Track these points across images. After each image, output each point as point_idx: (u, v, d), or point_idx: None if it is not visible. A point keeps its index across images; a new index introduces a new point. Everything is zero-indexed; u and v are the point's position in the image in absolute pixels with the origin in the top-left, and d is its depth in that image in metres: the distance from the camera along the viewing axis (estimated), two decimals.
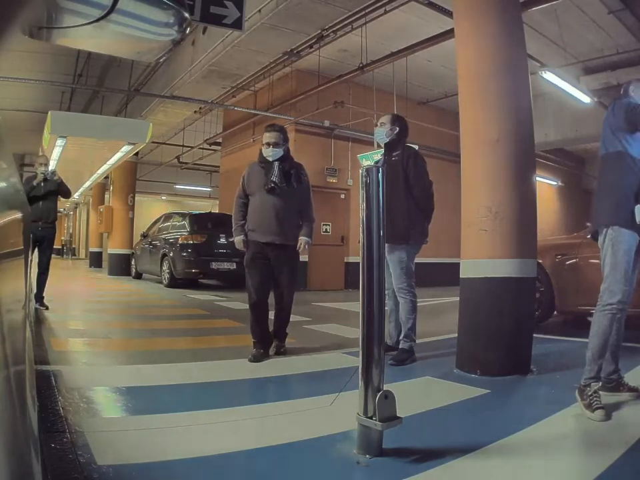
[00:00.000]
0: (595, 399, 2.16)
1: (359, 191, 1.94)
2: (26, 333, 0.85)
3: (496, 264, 3.06)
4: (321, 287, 9.55)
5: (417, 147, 5.33)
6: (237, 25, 4.64)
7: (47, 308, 5.48)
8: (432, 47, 6.84)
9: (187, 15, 0.66)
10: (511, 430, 2.01)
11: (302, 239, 3.53)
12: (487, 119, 3.22)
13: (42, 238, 5.43)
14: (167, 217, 10.61)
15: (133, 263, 11.83)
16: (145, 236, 10.99)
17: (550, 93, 8.22)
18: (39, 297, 5.50)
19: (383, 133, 3.55)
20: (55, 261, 6.25)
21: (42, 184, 5.49)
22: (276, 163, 3.48)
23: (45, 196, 5.48)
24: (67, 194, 5.82)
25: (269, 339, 3.56)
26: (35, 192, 5.39)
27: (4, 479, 0.40)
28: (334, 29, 7.05)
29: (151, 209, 20.23)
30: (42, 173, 5.53)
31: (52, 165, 10.24)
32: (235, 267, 9.11)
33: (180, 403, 2.37)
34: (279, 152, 3.49)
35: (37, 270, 5.43)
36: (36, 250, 5.36)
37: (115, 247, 13.09)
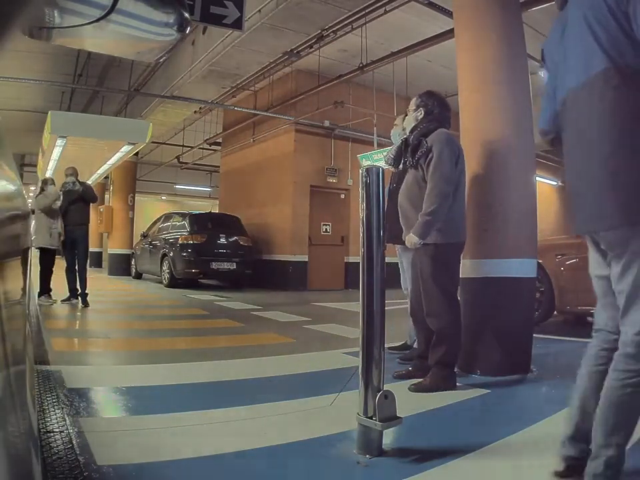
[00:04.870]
0: None
1: (358, 191, 1.94)
2: (26, 333, 0.85)
3: (496, 264, 3.06)
4: (321, 286, 9.55)
5: None
6: (237, 25, 4.64)
7: (87, 305, 5.88)
8: (432, 47, 6.84)
9: (187, 15, 0.66)
10: (511, 430, 2.01)
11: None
12: (487, 118, 3.22)
13: (75, 240, 6.08)
14: (167, 216, 10.62)
15: (132, 262, 11.84)
16: (145, 236, 11.00)
17: None
18: (83, 295, 5.94)
19: (396, 134, 3.54)
20: (55, 261, 6.28)
21: (62, 195, 6.14)
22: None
23: (72, 203, 6.10)
24: (92, 199, 6.32)
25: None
26: (63, 201, 6.11)
27: (4, 479, 0.40)
28: (334, 29, 7.04)
29: (151, 209, 20.23)
30: (63, 186, 6.23)
31: (52, 165, 10.28)
32: (234, 267, 9.13)
33: (180, 403, 2.37)
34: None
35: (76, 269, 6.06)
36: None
37: (114, 247, 13.10)
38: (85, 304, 5.90)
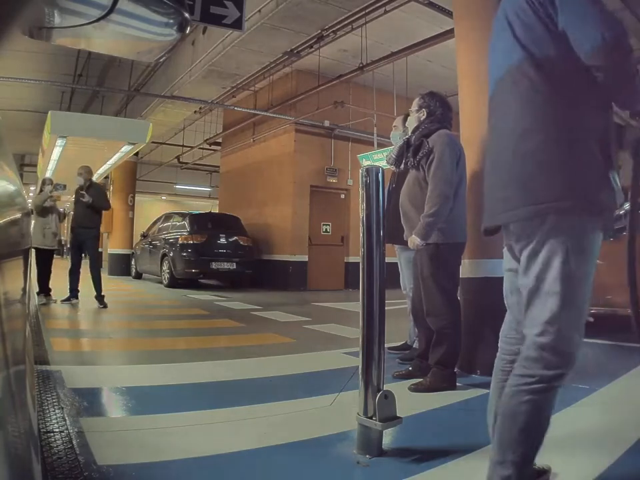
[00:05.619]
0: None
1: (358, 191, 1.94)
2: (26, 333, 0.85)
3: (496, 264, 3.05)
4: (321, 287, 9.55)
5: None
6: (237, 25, 4.64)
7: (106, 306, 5.87)
8: (432, 47, 6.85)
9: (187, 15, 0.66)
10: None
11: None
12: (487, 119, 3.22)
13: (82, 242, 5.99)
14: (167, 216, 10.62)
15: (133, 262, 11.84)
16: (144, 236, 11.00)
17: None
18: (99, 297, 5.90)
19: (397, 136, 3.54)
20: (55, 261, 6.28)
21: (81, 197, 5.97)
22: None
23: (79, 204, 6.00)
24: (101, 208, 6.10)
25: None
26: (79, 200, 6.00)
27: (4, 479, 0.40)
28: (334, 29, 7.05)
29: (151, 209, 20.23)
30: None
31: (52, 165, 10.27)
32: (234, 267, 9.13)
33: (180, 403, 2.37)
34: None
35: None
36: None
37: (115, 247, 13.08)
38: (103, 305, 5.85)
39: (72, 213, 6.31)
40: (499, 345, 1.49)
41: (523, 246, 1.26)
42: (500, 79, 1.35)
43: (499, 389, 1.42)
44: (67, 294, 6.04)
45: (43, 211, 6.07)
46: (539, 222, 1.20)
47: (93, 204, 5.95)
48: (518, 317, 1.40)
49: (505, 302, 1.46)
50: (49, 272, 6.11)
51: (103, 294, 5.92)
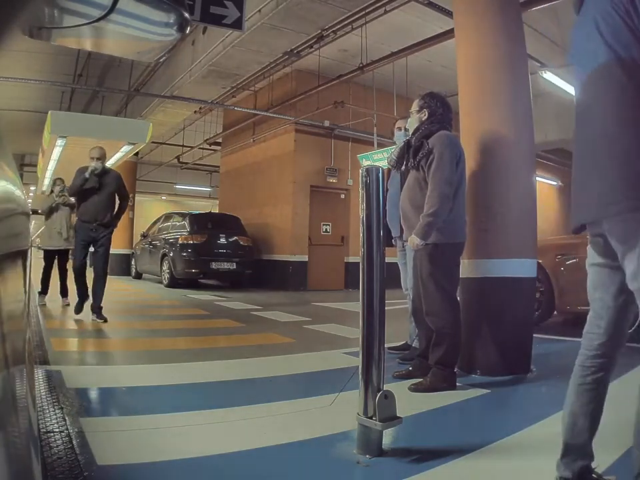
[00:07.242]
0: None
1: (358, 191, 1.94)
2: (26, 333, 0.85)
3: (496, 264, 3.06)
4: (321, 287, 9.55)
5: None
6: (237, 25, 4.64)
7: (106, 320, 4.77)
8: (432, 47, 6.84)
9: (187, 15, 0.66)
10: (510, 430, 2.01)
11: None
12: (487, 118, 3.22)
13: (94, 240, 4.86)
14: (167, 216, 10.63)
15: (132, 262, 11.84)
16: (144, 236, 11.01)
17: (550, 92, 8.21)
18: (97, 308, 4.81)
19: (402, 136, 3.54)
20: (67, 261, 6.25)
21: (96, 178, 4.81)
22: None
23: (100, 193, 4.83)
24: (125, 198, 5.12)
25: None
26: (88, 184, 4.75)
27: (4, 479, 0.40)
28: (334, 29, 7.05)
29: (151, 209, 20.23)
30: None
31: (52, 165, 10.26)
32: (234, 267, 9.13)
33: (180, 403, 2.37)
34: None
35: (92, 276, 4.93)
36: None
37: (114, 247, 13.01)
38: (100, 317, 4.77)
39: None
40: (582, 340, 1.47)
41: (627, 249, 1.24)
42: (587, 80, 1.36)
43: (577, 385, 1.42)
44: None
45: (48, 212, 5.97)
46: None
47: (119, 186, 4.95)
48: (600, 312, 1.41)
49: (589, 297, 1.45)
50: (65, 274, 5.96)
51: (101, 305, 4.86)
